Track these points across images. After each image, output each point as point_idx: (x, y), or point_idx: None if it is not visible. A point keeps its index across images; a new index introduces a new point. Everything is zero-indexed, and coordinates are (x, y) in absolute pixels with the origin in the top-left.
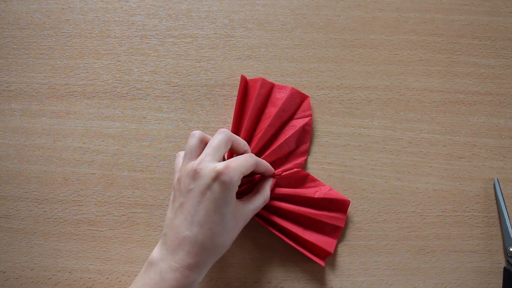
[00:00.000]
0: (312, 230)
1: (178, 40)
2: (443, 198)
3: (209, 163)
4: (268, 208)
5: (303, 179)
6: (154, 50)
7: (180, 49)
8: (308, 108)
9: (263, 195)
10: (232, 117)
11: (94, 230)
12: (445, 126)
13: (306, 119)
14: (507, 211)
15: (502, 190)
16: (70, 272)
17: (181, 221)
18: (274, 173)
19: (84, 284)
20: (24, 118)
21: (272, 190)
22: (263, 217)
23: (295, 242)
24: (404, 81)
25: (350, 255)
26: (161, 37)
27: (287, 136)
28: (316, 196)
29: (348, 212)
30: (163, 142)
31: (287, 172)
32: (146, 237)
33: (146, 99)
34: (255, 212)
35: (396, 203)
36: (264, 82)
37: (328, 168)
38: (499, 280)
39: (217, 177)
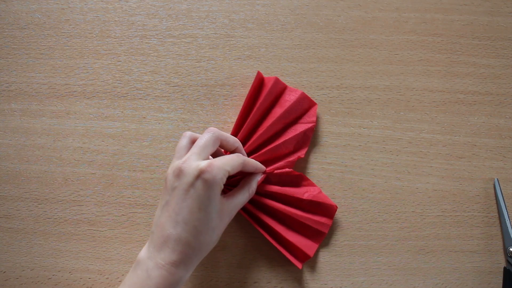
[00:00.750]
0: (295, 231)
1: (178, 40)
2: (443, 198)
3: (194, 162)
4: (255, 204)
5: (295, 178)
6: (154, 50)
7: (180, 49)
8: (314, 115)
9: (248, 189)
10: (238, 113)
11: (94, 230)
12: (445, 126)
13: (309, 125)
14: (507, 211)
15: (502, 190)
16: (70, 272)
17: (166, 219)
18: (265, 170)
19: (84, 284)
20: (24, 118)
21: (261, 186)
22: (248, 211)
23: (276, 241)
24: (404, 81)
25: (350, 255)
26: (161, 37)
27: (286, 138)
28: (304, 198)
29: (348, 212)
30: (163, 142)
31: (279, 171)
32: (146, 237)
33: (146, 99)
34: (241, 206)
35: (396, 203)
36: (277, 81)
37: (328, 168)
38: (499, 280)
39: (200, 175)
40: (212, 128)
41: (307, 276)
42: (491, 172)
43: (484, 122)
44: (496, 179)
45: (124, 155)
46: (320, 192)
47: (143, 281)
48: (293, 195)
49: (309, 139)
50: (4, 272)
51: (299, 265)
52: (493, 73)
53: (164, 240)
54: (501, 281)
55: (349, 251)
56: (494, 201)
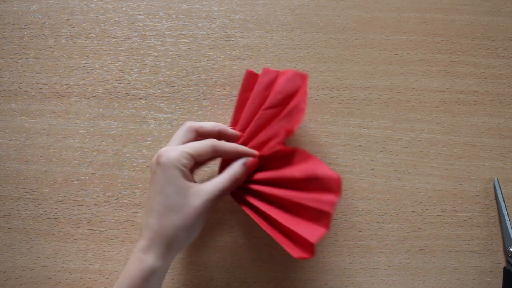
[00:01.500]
0: (293, 214)
1: (178, 40)
2: (443, 198)
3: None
4: (249, 192)
5: (290, 155)
6: (154, 50)
7: (180, 49)
8: (305, 85)
9: (229, 172)
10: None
11: (94, 230)
12: (445, 126)
13: (302, 97)
14: (507, 211)
15: (502, 190)
16: (70, 272)
17: (145, 210)
18: (256, 154)
19: (84, 284)
20: (24, 118)
21: (253, 173)
22: (245, 200)
23: (275, 228)
24: (404, 81)
25: (350, 255)
26: (161, 37)
27: (280, 117)
28: (301, 176)
29: (348, 212)
30: (163, 142)
31: (271, 150)
32: None
33: (146, 99)
34: (221, 192)
35: (396, 203)
36: (266, 71)
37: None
38: (499, 280)
39: (157, 159)
40: (187, 121)
41: (307, 276)
42: (491, 172)
43: (484, 122)
44: (496, 179)
45: (124, 155)
46: (318, 164)
47: (124, 273)
48: (287, 176)
49: (303, 111)
50: (4, 272)
51: (296, 254)
52: (493, 73)
53: (141, 229)
54: (501, 281)
55: (349, 251)
56: (494, 201)
